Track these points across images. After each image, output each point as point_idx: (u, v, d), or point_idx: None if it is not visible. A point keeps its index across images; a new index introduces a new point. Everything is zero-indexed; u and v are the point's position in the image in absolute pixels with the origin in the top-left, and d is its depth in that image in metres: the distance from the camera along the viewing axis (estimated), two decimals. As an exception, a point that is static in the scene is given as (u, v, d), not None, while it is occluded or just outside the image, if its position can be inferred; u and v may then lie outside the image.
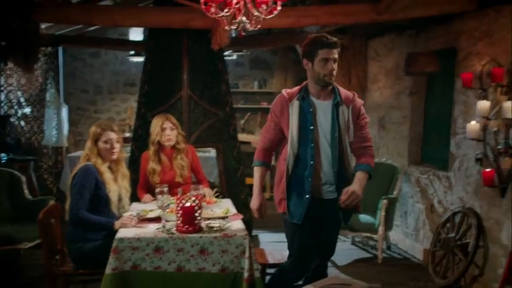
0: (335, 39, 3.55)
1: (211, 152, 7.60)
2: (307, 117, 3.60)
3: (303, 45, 3.66)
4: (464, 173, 5.46)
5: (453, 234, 5.34)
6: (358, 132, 3.68)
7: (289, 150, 3.64)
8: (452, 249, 5.28)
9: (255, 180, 3.90)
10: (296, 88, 3.73)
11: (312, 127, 3.59)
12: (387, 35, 7.13)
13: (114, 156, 4.27)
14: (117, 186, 4.27)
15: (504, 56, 4.82)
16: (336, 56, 3.55)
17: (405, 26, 6.50)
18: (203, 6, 3.76)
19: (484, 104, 4.93)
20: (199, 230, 3.71)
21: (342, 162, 3.65)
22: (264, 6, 3.76)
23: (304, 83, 3.73)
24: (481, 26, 5.20)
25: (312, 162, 3.59)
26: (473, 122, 5.07)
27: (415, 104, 6.61)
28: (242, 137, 9.55)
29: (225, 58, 7.17)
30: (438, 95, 6.31)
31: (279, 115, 3.69)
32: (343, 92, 3.69)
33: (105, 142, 4.21)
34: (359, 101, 3.72)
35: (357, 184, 3.61)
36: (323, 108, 3.63)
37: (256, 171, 3.89)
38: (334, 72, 3.56)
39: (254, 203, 3.88)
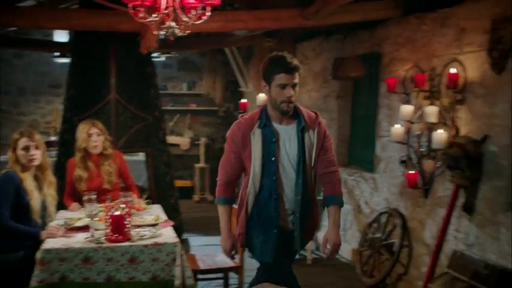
0: (295, 62, 3.20)
1: (140, 155, 7.51)
2: (270, 147, 3.27)
3: (261, 65, 3.31)
4: (389, 174, 5.63)
5: (379, 234, 5.50)
6: (324, 156, 3.37)
7: (250, 183, 3.31)
8: (378, 249, 5.43)
9: (222, 220, 3.48)
10: (255, 112, 3.38)
11: (273, 158, 3.26)
12: (315, 39, 7.25)
13: (35, 163, 4.14)
14: (40, 194, 4.15)
15: (426, 62, 5.00)
16: (296, 80, 3.19)
17: (332, 30, 6.63)
18: (131, 11, 3.71)
19: (407, 108, 5.09)
20: (129, 238, 3.66)
21: (306, 188, 3.34)
22: (193, 12, 3.74)
23: (263, 106, 3.39)
24: (404, 33, 5.38)
25: (275, 196, 3.29)
26: (397, 125, 5.22)
27: (342, 107, 6.76)
28: (171, 139, 9.50)
29: (153, 59, 7.10)
30: (364, 98, 6.47)
31: (241, 146, 3.31)
32: (306, 112, 3.35)
33: (23, 149, 4.07)
34: (323, 122, 3.41)
35: (336, 227, 3.38)
36: (288, 134, 3.30)
37: (221, 210, 3.47)
38: (294, 99, 3.21)
39: (225, 245, 3.48)
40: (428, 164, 4.95)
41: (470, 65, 4.45)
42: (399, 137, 5.19)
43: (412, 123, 5.10)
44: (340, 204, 3.45)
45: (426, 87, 4.92)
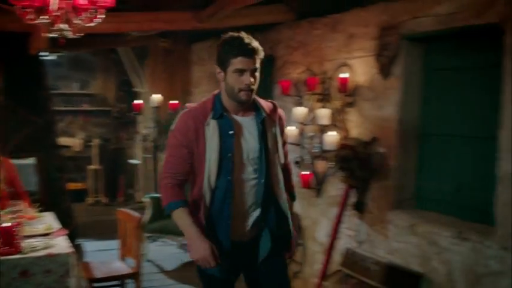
0: (255, 43, 2.73)
1: (30, 159, 7.21)
2: (228, 141, 2.76)
3: (216, 48, 2.82)
4: (284, 175, 5.73)
5: (275, 234, 5.60)
6: (283, 151, 2.98)
7: (205, 184, 2.75)
8: (274, 248, 5.53)
9: (187, 225, 2.73)
10: (206, 101, 2.86)
11: (230, 154, 2.75)
12: (210, 40, 7.27)
13: None
14: None
15: (318, 65, 5.15)
16: (257, 65, 2.73)
17: (227, 32, 6.66)
18: (19, 11, 3.56)
19: (300, 111, 5.22)
20: (20, 250, 3.51)
21: (272, 192, 2.85)
22: (85, 14, 3.65)
23: (215, 93, 2.88)
24: (296, 36, 5.51)
25: (229, 200, 2.77)
26: (290, 127, 5.33)
27: (237, 108, 6.81)
28: (63, 140, 9.20)
29: (43, 58, 6.84)
30: (259, 100, 6.56)
31: (194, 139, 2.75)
32: (264, 102, 2.92)
33: None
34: (282, 113, 3.02)
35: (295, 226, 3.02)
36: (247, 127, 2.83)
37: (182, 214, 2.75)
38: (254, 87, 2.74)
39: (204, 253, 2.69)
40: (321, 165, 5.11)
41: (359, 69, 4.64)
42: (293, 139, 5.29)
43: (305, 125, 5.24)
44: (295, 199, 3.14)
45: (318, 90, 5.08)
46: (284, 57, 5.71)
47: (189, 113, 2.80)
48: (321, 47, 5.13)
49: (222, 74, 2.75)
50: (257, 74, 2.74)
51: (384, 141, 4.39)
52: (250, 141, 2.81)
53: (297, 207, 5.49)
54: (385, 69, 4.35)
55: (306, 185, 5.18)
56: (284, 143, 2.99)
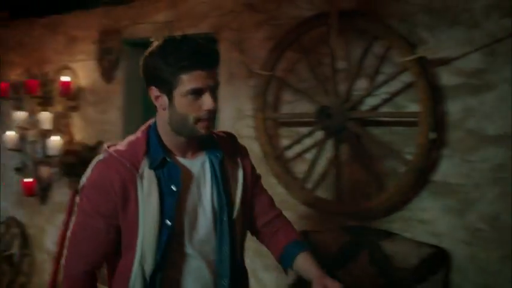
0: (213, 48, 1.79)
1: None
2: (167, 202, 1.75)
3: (144, 59, 1.78)
4: (6, 182, 5.40)
5: (-2, 246, 5.26)
6: (260, 197, 2.03)
7: (135, 271, 1.75)
8: (-2, 261, 5.20)
9: None
10: (135, 140, 1.83)
11: (170, 222, 1.75)
12: None
13: None
14: None
15: (38, 67, 4.96)
16: (217, 79, 1.76)
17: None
18: None
19: (20, 115, 4.98)
20: None
21: (237, 266, 1.91)
22: None
23: (146, 128, 1.86)
24: (14, 36, 5.22)
25: None
26: (10, 132, 5.05)
27: None
28: None
29: None
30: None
31: (119, 203, 1.73)
32: (215, 134, 1.95)
33: None
34: (243, 146, 2.06)
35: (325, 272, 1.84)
36: (199, 174, 1.85)
37: None
38: (215, 111, 1.77)
39: None
40: (44, 171, 4.93)
41: (81, 73, 4.60)
42: (13, 144, 5.05)
43: (26, 129, 5.01)
44: (309, 249, 1.97)
45: (39, 93, 4.89)
46: (1, 57, 5.37)
47: (111, 161, 1.76)
48: (41, 49, 4.95)
49: (165, 98, 1.74)
50: (217, 94, 1.78)
51: (109, 145, 4.41)
52: (205, 196, 1.85)
53: (20, 216, 5.23)
54: (107, 74, 4.39)
55: (29, 192, 4.97)
56: (260, 188, 2.06)
